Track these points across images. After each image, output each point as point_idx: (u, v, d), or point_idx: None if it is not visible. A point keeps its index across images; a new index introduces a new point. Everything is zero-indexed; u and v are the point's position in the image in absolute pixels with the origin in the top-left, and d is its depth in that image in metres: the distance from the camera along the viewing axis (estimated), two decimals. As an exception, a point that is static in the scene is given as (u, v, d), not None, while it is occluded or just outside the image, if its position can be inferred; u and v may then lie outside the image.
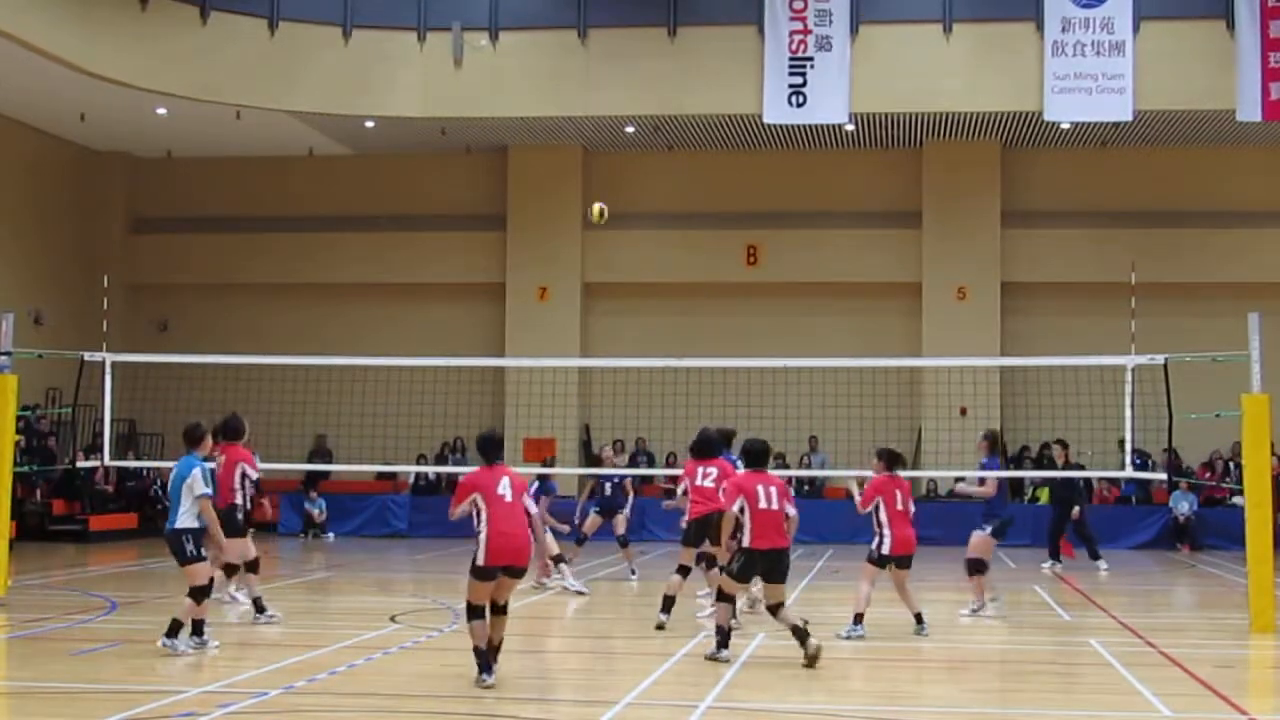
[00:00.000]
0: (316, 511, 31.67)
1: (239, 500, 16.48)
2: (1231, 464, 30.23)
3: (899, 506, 15.82)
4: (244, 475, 16.45)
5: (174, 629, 13.69)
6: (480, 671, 11.77)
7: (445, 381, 28.39)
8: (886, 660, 14.41)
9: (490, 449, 12.27)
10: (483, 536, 11.83)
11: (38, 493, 29.99)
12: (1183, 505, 30.09)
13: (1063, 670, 14.17)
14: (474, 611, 11.91)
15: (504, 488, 11.97)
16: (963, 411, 30.43)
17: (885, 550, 15.71)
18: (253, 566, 16.54)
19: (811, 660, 12.97)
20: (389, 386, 27.60)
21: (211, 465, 15.46)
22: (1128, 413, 19.37)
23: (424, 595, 19.97)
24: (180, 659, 13.36)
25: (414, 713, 11.14)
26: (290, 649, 14.39)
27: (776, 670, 13.12)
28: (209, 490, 13.87)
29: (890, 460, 16.11)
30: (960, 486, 19.20)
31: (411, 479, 33.27)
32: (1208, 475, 30.89)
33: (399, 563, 26.43)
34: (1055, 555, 25.32)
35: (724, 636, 13.35)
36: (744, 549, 13.38)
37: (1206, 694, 12.22)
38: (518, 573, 12.05)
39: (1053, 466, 27.40)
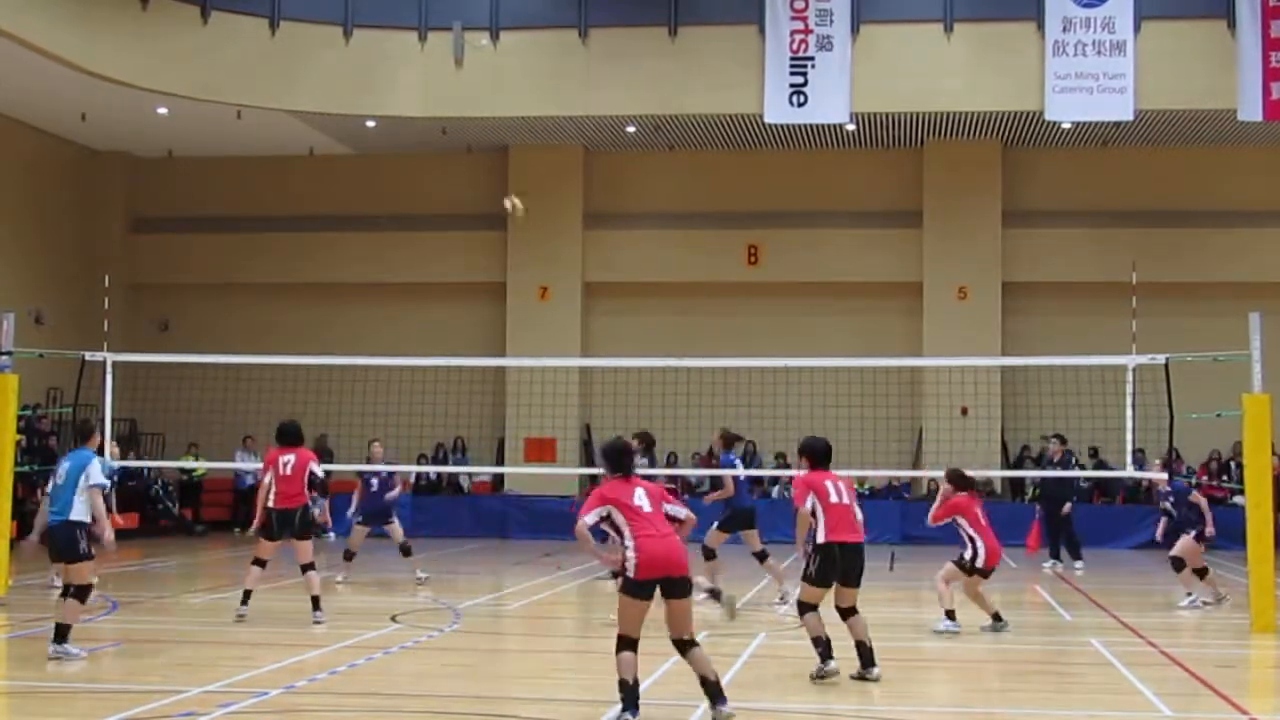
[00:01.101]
0: (317, 511, 31.59)
1: (309, 501, 16.85)
2: (1232, 464, 30.21)
3: (982, 521, 16.20)
4: (312, 474, 16.70)
5: (61, 633, 13.42)
6: (625, 709, 10.55)
7: (446, 381, 28.37)
8: (888, 660, 14.39)
9: (621, 461, 10.97)
10: (630, 551, 10.55)
11: (38, 492, 29.92)
12: (1184, 505, 30.01)
13: (1064, 670, 14.17)
14: (625, 643, 10.64)
15: (640, 499, 10.75)
16: (964, 411, 30.44)
17: (980, 563, 16.09)
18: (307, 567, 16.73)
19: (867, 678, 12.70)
20: (390, 386, 27.59)
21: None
22: (1129, 413, 19.37)
23: (425, 595, 19.96)
24: (173, 660, 13.34)
25: (414, 712, 11.14)
26: (291, 648, 14.39)
27: (778, 669, 13.11)
28: (104, 481, 13.77)
29: (959, 481, 16.26)
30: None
31: (412, 479, 33.25)
32: (1205, 476, 30.85)
33: (400, 562, 26.37)
34: (1056, 554, 25.34)
35: (825, 646, 12.56)
36: (820, 545, 12.72)
37: (1207, 694, 12.21)
38: (681, 588, 10.66)
39: (1049, 464, 27.39)
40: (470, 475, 33.13)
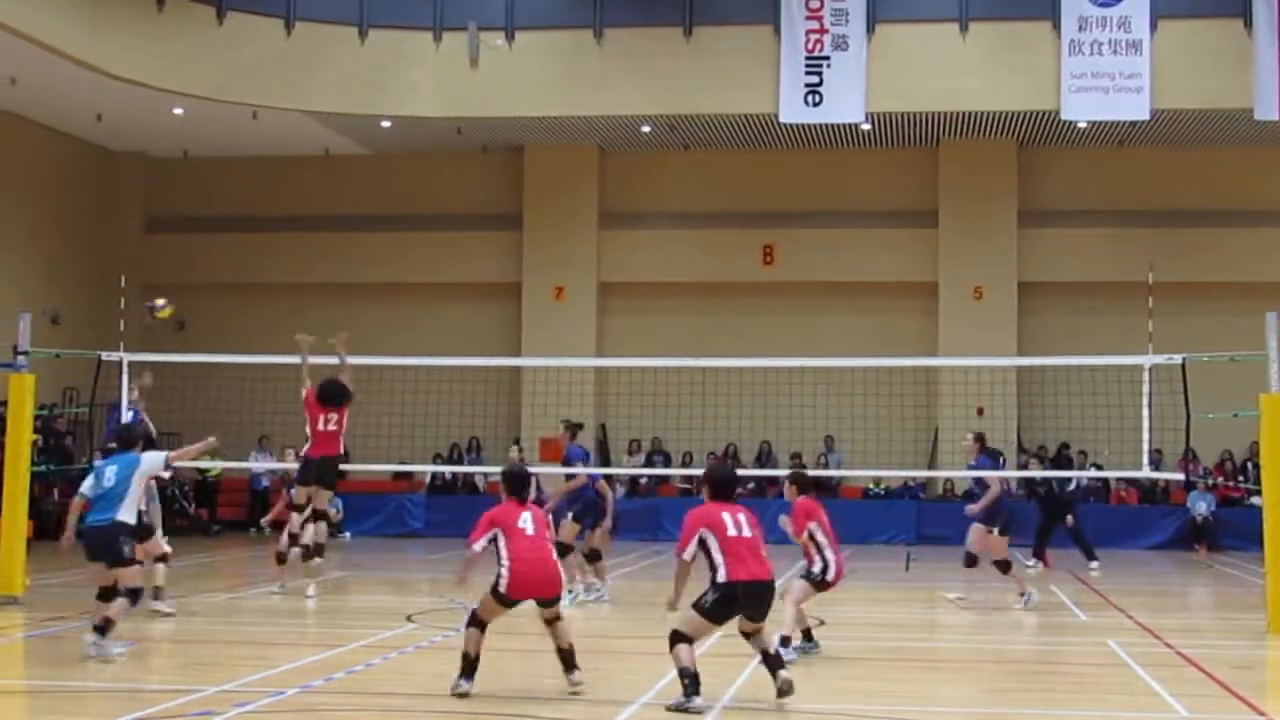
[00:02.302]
0: (333, 511, 31.65)
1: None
2: (1249, 464, 30.14)
3: (829, 529, 14.37)
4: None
5: (104, 628, 13.27)
6: (462, 676, 11.66)
7: (461, 381, 28.39)
8: (904, 660, 14.38)
9: (518, 486, 12.22)
10: (505, 569, 11.74)
11: (55, 492, 30.02)
12: (1200, 505, 30.01)
13: (1079, 670, 14.12)
14: (477, 623, 11.88)
15: (525, 522, 11.87)
16: (979, 411, 30.34)
17: (830, 576, 14.20)
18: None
19: (780, 693, 11.42)
20: (405, 386, 27.59)
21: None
22: (1145, 412, 19.30)
23: (440, 595, 19.97)
24: (198, 657, 13.35)
25: (429, 712, 11.15)
26: (307, 648, 14.42)
27: (792, 669, 13.07)
28: (166, 453, 14.00)
29: (803, 484, 14.66)
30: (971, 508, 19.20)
31: (428, 479, 33.30)
32: (1221, 476, 30.81)
33: (415, 562, 26.46)
34: (1038, 555, 25.43)
35: (693, 681, 11.15)
36: (720, 584, 11.30)
37: (1225, 695, 12.18)
38: (551, 602, 11.92)
39: (1068, 465, 27.34)
40: (485, 475, 33.13)
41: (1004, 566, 18.69)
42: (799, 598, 13.96)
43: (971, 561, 18.88)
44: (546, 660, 12.42)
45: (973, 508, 18.67)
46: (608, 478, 20.99)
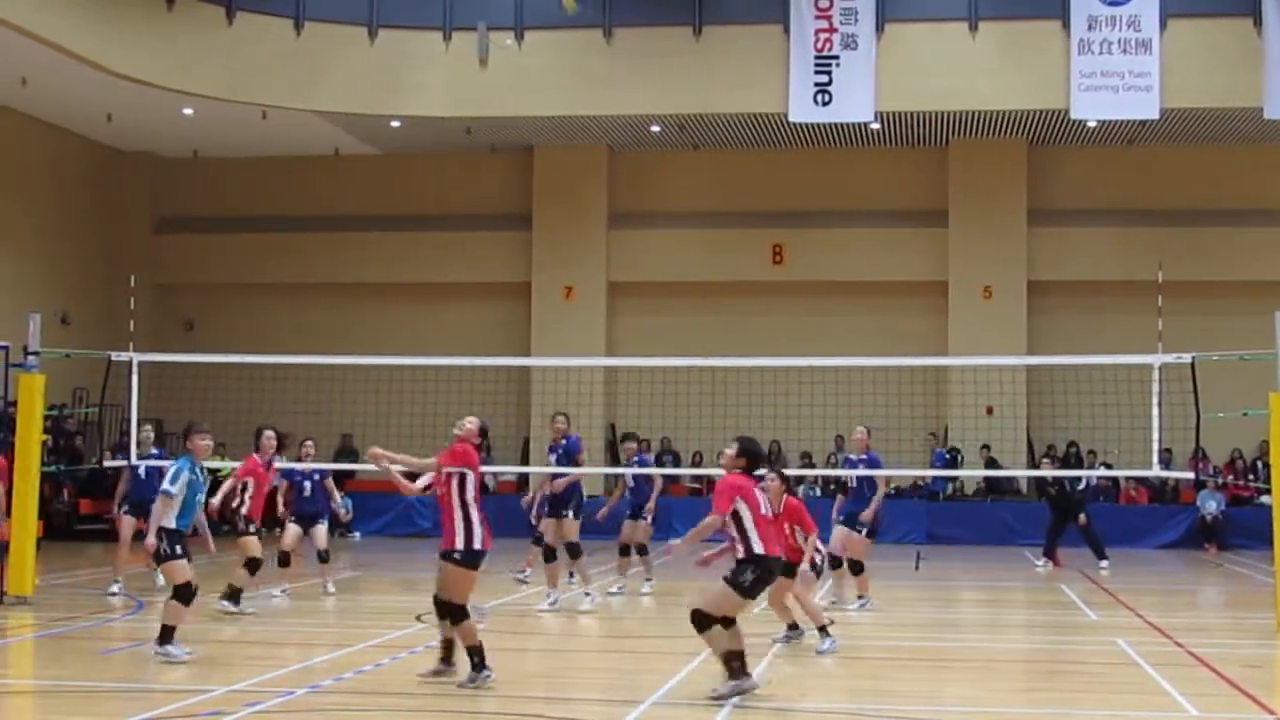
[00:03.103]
0: (343, 510, 31.63)
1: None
2: (1258, 463, 30.10)
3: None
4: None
5: (163, 634, 13.26)
6: (483, 669, 11.85)
7: (470, 381, 28.34)
8: (913, 660, 14.37)
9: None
10: (477, 524, 12.09)
11: (65, 492, 30.06)
12: (1210, 504, 29.96)
13: (1089, 670, 14.10)
14: (466, 613, 12.08)
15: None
16: (989, 411, 30.34)
17: (822, 557, 14.52)
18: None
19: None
20: (414, 386, 27.59)
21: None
22: (1155, 411, 19.26)
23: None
24: (205, 660, 13.36)
25: (438, 712, 11.15)
26: (317, 648, 14.43)
27: (803, 668, 13.08)
28: (170, 488, 13.50)
29: (781, 475, 14.24)
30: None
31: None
32: (1231, 475, 30.76)
33: (424, 562, 26.43)
34: (1048, 554, 25.48)
35: (741, 661, 11.42)
36: (760, 556, 11.45)
37: (1234, 694, 12.17)
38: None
39: (1078, 464, 27.33)
40: (495, 475, 33.11)
41: (857, 568, 18.16)
42: (805, 585, 14.22)
43: (838, 563, 18.27)
44: (559, 659, 12.43)
45: (866, 514, 18.06)
46: (617, 477, 20.96)
